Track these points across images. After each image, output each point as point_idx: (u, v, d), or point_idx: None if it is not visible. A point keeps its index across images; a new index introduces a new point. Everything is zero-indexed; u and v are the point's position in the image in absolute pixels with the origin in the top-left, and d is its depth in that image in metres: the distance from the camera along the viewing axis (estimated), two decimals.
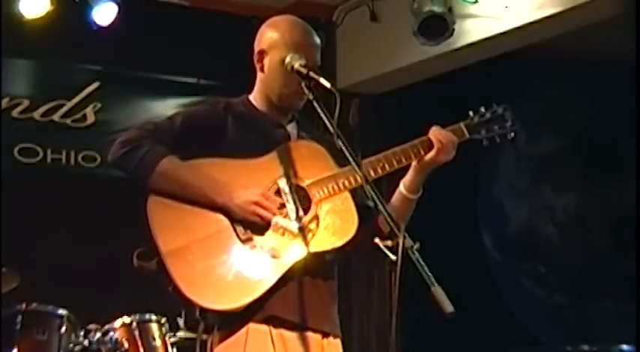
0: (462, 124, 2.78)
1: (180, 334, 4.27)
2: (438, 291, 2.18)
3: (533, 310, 6.66)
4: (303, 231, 2.60)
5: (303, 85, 2.57)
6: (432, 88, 5.79)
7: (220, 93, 2.84)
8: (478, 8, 5.29)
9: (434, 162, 2.71)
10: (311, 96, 2.55)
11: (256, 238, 2.58)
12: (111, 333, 4.16)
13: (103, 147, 2.67)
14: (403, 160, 2.70)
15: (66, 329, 4.14)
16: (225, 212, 2.58)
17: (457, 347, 5.94)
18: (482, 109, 2.81)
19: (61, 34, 5.32)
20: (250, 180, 2.62)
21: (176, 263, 2.51)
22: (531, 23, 5.08)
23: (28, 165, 5.44)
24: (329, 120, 2.46)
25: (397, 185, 2.78)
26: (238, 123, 2.71)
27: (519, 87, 6.00)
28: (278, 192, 2.63)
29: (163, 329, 4.24)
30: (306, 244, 2.59)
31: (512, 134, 2.81)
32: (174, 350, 4.25)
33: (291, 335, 2.58)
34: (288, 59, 2.63)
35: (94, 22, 5.24)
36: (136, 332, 4.16)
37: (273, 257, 2.56)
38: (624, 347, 5.28)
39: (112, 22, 5.24)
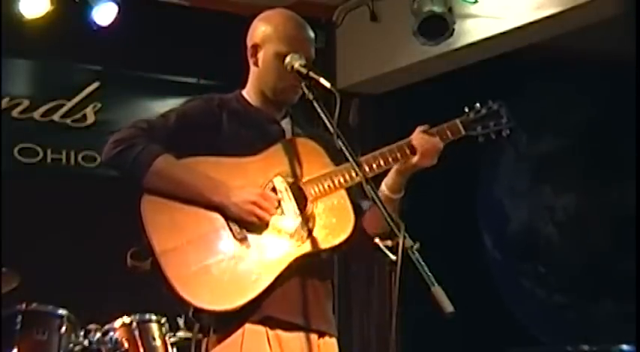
0: (457, 121, 2.75)
1: (180, 334, 4.26)
2: (438, 291, 2.18)
3: (533, 310, 6.66)
4: (299, 230, 2.59)
5: (303, 84, 2.56)
6: (432, 88, 5.79)
7: (220, 93, 2.83)
8: (478, 8, 5.29)
9: (416, 166, 2.68)
10: (311, 97, 2.53)
11: (252, 237, 2.56)
12: (111, 333, 4.15)
13: (103, 147, 2.65)
14: (389, 162, 2.67)
15: (66, 329, 4.14)
16: (221, 211, 2.55)
17: (457, 347, 5.94)
18: (478, 105, 2.78)
19: (61, 34, 5.32)
20: (246, 179, 2.60)
21: (171, 263, 2.49)
22: (531, 23, 5.08)
23: (28, 165, 5.44)
24: (329, 120, 2.46)
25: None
26: (233, 120, 2.69)
27: (519, 87, 6.00)
28: (274, 191, 2.61)
29: (163, 329, 4.24)
30: (303, 243, 2.58)
31: (508, 130, 2.78)
32: (174, 350, 4.24)
33: (288, 336, 2.57)
34: (288, 59, 2.61)
35: (94, 22, 5.23)
36: (136, 332, 4.16)
37: (269, 257, 2.54)
38: (624, 347, 5.28)
39: (112, 22, 5.23)
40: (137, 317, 4.18)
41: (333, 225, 2.62)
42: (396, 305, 2.28)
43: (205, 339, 2.59)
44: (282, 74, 2.65)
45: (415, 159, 2.66)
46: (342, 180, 2.63)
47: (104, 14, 5.22)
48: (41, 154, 5.49)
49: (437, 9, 5.18)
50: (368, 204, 2.74)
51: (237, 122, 2.69)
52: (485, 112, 2.78)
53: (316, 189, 2.63)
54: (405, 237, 2.24)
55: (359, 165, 2.49)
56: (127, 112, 5.59)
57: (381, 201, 2.39)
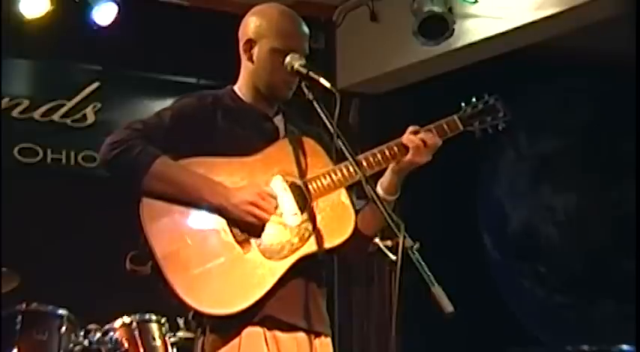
0: (455, 117, 2.73)
1: (180, 334, 4.26)
2: (438, 291, 2.18)
3: (533, 310, 6.66)
4: (300, 230, 2.57)
5: (303, 84, 2.55)
6: (432, 87, 5.79)
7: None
8: (478, 8, 5.29)
9: (410, 164, 2.66)
10: (311, 97, 2.53)
11: (253, 239, 2.53)
12: (111, 333, 4.16)
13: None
14: (383, 163, 2.65)
15: (66, 329, 4.14)
16: (221, 213, 2.53)
17: (457, 347, 5.93)
18: (474, 100, 2.77)
19: (61, 34, 5.32)
20: (246, 179, 2.58)
21: (172, 267, 2.46)
22: (531, 23, 5.08)
23: (28, 165, 5.44)
24: (329, 120, 2.46)
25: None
26: (227, 118, 2.66)
27: (519, 87, 6.00)
28: (273, 191, 2.58)
29: (163, 329, 4.24)
30: (304, 244, 2.56)
31: (504, 124, 2.78)
32: (175, 350, 4.24)
33: (285, 337, 2.55)
34: (288, 59, 2.59)
35: (94, 22, 5.24)
36: (136, 332, 4.16)
37: (270, 258, 2.53)
38: (624, 347, 5.28)
39: (112, 22, 5.24)
40: (137, 317, 4.18)
41: (334, 224, 2.60)
42: (396, 305, 2.28)
43: (202, 339, 2.56)
44: (277, 70, 2.63)
45: (408, 156, 2.64)
46: (341, 178, 2.62)
47: (104, 14, 5.22)
48: (41, 154, 5.49)
49: (437, 9, 5.18)
50: (362, 204, 2.73)
51: (231, 120, 2.66)
52: (482, 107, 2.77)
53: (316, 188, 2.61)
54: (405, 237, 2.24)
55: (359, 164, 2.49)
56: (127, 112, 5.59)
57: (380, 201, 2.39)
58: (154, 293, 2.50)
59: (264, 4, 2.76)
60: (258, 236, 2.54)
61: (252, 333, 2.52)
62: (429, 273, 2.20)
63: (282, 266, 2.53)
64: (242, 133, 2.65)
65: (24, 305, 4.13)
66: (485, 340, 5.81)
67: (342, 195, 2.66)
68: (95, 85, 5.65)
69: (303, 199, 2.60)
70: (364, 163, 2.63)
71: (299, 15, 2.75)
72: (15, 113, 5.46)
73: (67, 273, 5.01)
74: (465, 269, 5.93)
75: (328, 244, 2.59)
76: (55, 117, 5.56)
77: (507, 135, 6.68)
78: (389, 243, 3.42)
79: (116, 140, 2.56)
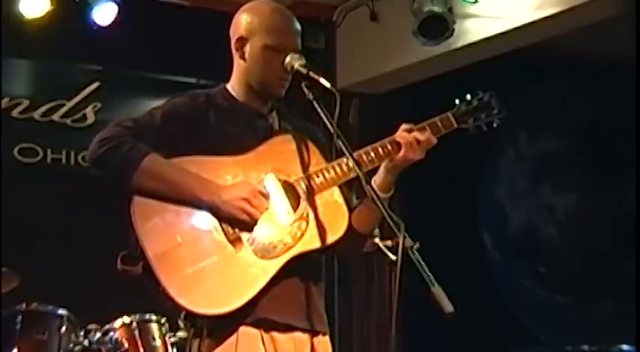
0: (449, 114, 2.72)
1: (180, 334, 4.26)
2: (438, 291, 2.18)
3: (533, 310, 6.66)
4: (293, 229, 2.55)
5: (303, 84, 2.54)
6: (432, 87, 5.79)
7: None
8: (478, 8, 5.29)
9: (403, 162, 2.64)
10: (311, 97, 2.51)
11: (245, 238, 2.51)
12: (111, 333, 4.15)
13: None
14: (376, 161, 2.64)
15: (66, 329, 4.14)
16: (213, 211, 2.50)
17: (457, 347, 5.93)
18: (468, 97, 2.76)
19: (61, 34, 5.32)
20: (238, 177, 2.56)
21: (164, 267, 2.44)
22: (531, 23, 5.08)
23: (28, 165, 5.44)
24: (329, 120, 2.45)
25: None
26: (220, 116, 2.64)
27: (519, 87, 6.00)
28: (265, 189, 2.56)
29: (163, 329, 4.24)
30: (297, 243, 2.54)
31: (499, 121, 2.76)
32: (175, 350, 4.24)
33: (282, 337, 2.54)
34: (288, 59, 2.58)
35: (94, 22, 5.23)
36: (136, 332, 4.16)
37: (263, 257, 2.51)
38: (624, 347, 5.28)
39: (112, 22, 5.23)
40: (137, 317, 4.18)
41: (327, 223, 2.58)
42: (396, 305, 2.28)
43: (198, 342, 2.53)
44: (270, 67, 2.62)
45: (400, 153, 2.63)
46: (334, 176, 2.60)
47: (104, 14, 5.22)
48: (41, 154, 5.48)
49: (437, 9, 5.18)
50: (355, 202, 2.72)
51: (224, 119, 2.64)
52: (476, 104, 2.75)
53: (309, 187, 2.59)
54: (405, 237, 2.23)
55: (359, 165, 2.48)
56: (127, 112, 5.57)
57: (380, 201, 2.38)
58: (151, 293, 2.49)
59: (256, 1, 2.74)
60: (251, 234, 2.51)
61: (249, 335, 2.50)
62: (429, 273, 2.19)
63: (274, 266, 2.51)
64: (235, 132, 2.63)
65: (24, 305, 4.12)
66: (486, 340, 5.81)
67: (336, 193, 2.64)
68: (95, 85, 5.65)
69: (296, 197, 2.58)
70: (359, 160, 2.61)
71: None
72: (15, 113, 5.45)
73: (67, 273, 5.01)
74: (465, 269, 5.93)
75: (321, 243, 2.56)
76: (55, 117, 5.56)
77: (507, 135, 6.71)
78: (389, 243, 3.41)
79: (105, 137, 2.53)
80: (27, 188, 5.26)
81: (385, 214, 2.33)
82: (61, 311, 4.16)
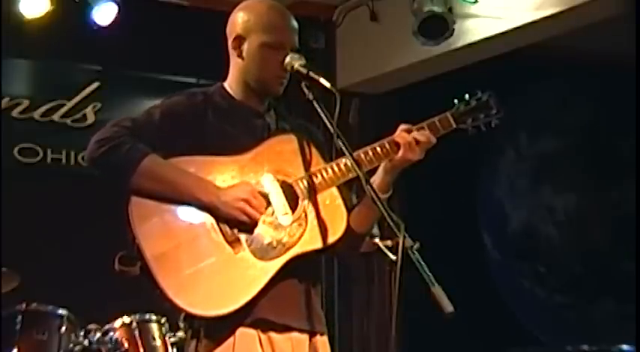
0: (448, 114, 2.71)
1: (180, 334, 4.26)
2: (438, 291, 2.17)
3: (533, 310, 6.66)
4: (292, 229, 2.54)
5: (303, 84, 2.53)
6: (432, 87, 5.79)
7: None
8: (478, 8, 5.29)
9: (402, 162, 2.63)
10: (311, 97, 2.51)
11: (243, 239, 2.50)
12: (111, 333, 4.15)
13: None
14: (375, 161, 2.63)
15: (66, 329, 4.14)
16: (212, 211, 2.49)
17: (457, 347, 5.93)
18: (467, 97, 2.75)
19: (61, 34, 5.32)
20: (236, 177, 2.55)
21: (162, 268, 2.42)
22: (531, 23, 5.08)
23: (28, 165, 5.44)
24: (329, 120, 2.44)
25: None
26: (218, 115, 2.63)
27: (519, 87, 6.00)
28: (264, 189, 2.55)
29: (163, 329, 4.24)
30: (295, 243, 2.53)
31: (497, 121, 2.74)
32: (175, 350, 4.24)
33: (280, 338, 2.53)
34: (288, 59, 2.58)
35: (94, 22, 5.23)
36: (136, 332, 4.15)
37: (261, 258, 2.50)
38: (624, 347, 5.28)
39: (112, 22, 5.23)
40: (137, 317, 4.18)
41: (326, 223, 2.57)
42: (396, 305, 2.28)
43: (195, 342, 2.53)
44: (268, 65, 2.62)
45: (400, 154, 2.62)
46: (332, 177, 2.60)
47: (104, 14, 5.22)
48: (41, 154, 5.48)
49: (437, 9, 5.18)
50: (354, 202, 2.72)
51: (222, 118, 2.63)
52: (474, 104, 2.74)
53: (307, 187, 2.58)
54: (405, 237, 2.23)
55: (359, 165, 2.47)
56: (126, 112, 5.53)
57: (381, 201, 2.38)
58: (149, 294, 2.48)
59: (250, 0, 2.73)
60: (250, 235, 2.50)
61: (246, 335, 2.49)
62: (429, 273, 2.19)
63: (273, 267, 2.50)
64: (233, 131, 2.62)
65: (24, 305, 4.12)
66: (486, 340, 5.81)
67: (334, 193, 2.63)
68: (95, 84, 5.65)
69: (294, 198, 2.57)
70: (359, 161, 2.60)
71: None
72: (15, 113, 5.45)
73: (67, 273, 5.01)
74: (465, 269, 5.93)
75: (320, 244, 2.56)
76: (55, 117, 5.56)
77: (507, 135, 6.71)
78: (389, 243, 3.41)
79: (104, 137, 2.51)
80: (27, 188, 5.26)
81: (385, 214, 2.32)
82: (61, 311, 4.16)
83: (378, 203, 2.37)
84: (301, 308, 2.58)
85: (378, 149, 2.64)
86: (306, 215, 2.57)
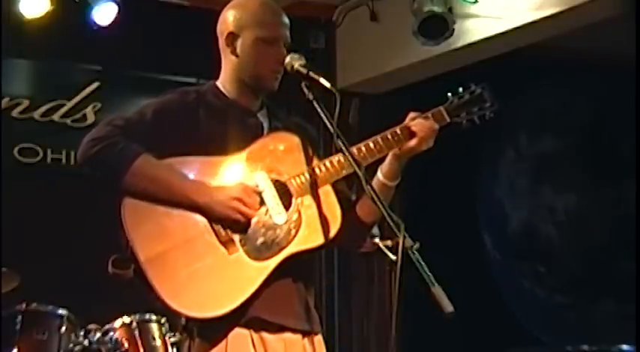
0: (442, 108, 2.71)
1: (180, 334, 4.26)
2: (437, 291, 2.17)
3: (533, 310, 6.66)
4: (286, 228, 2.52)
5: (303, 85, 2.53)
6: (432, 88, 5.78)
7: None
8: (478, 8, 5.29)
9: (414, 150, 2.64)
10: (311, 97, 2.51)
11: (237, 239, 2.49)
12: (111, 333, 4.16)
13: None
14: (385, 149, 2.64)
15: (66, 329, 4.14)
16: (205, 211, 2.48)
17: (457, 347, 5.94)
18: (461, 90, 2.75)
19: (61, 34, 5.32)
20: (229, 177, 2.54)
21: (156, 271, 2.41)
22: (531, 23, 5.08)
23: (28, 165, 5.44)
24: (329, 120, 2.44)
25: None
26: (210, 114, 2.62)
27: (519, 87, 6.00)
28: (257, 188, 2.54)
29: (163, 329, 4.24)
30: (290, 242, 2.52)
31: (492, 114, 2.74)
32: (175, 350, 4.24)
33: (272, 338, 2.52)
34: (288, 59, 2.58)
35: (94, 22, 5.24)
36: (136, 332, 4.16)
37: (256, 259, 2.49)
38: (624, 347, 5.28)
39: (112, 22, 5.24)
40: (137, 317, 4.18)
41: (321, 222, 2.55)
42: (396, 305, 2.28)
43: (189, 342, 2.52)
44: (263, 60, 2.62)
45: (414, 142, 2.62)
46: (326, 175, 2.59)
47: (104, 14, 5.22)
48: (41, 154, 5.48)
49: (437, 9, 5.18)
50: (353, 197, 2.71)
51: (215, 117, 2.62)
52: (468, 97, 2.74)
53: (301, 185, 2.57)
54: (405, 237, 2.23)
55: (359, 165, 2.46)
56: (126, 112, 5.58)
57: (381, 201, 2.37)
58: (143, 296, 2.47)
59: None
60: (244, 233, 2.49)
61: (239, 335, 2.48)
62: (429, 273, 2.19)
63: (267, 267, 2.49)
64: (226, 131, 2.61)
65: (24, 305, 4.13)
66: (486, 340, 5.80)
67: (328, 190, 2.61)
68: (95, 84, 5.65)
69: (288, 197, 2.56)
70: (364, 151, 2.61)
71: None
72: (15, 113, 5.45)
73: (67, 273, 5.01)
74: (465, 270, 5.93)
75: (314, 242, 2.55)
76: (55, 117, 5.56)
77: (507, 135, 6.71)
78: (389, 242, 3.42)
79: (96, 137, 2.50)
80: (27, 188, 5.25)
81: (385, 214, 2.32)
82: (61, 311, 4.16)
83: (378, 203, 2.36)
84: (295, 307, 2.58)
85: (390, 136, 2.64)
86: (299, 214, 2.55)
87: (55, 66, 5.65)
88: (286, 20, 2.68)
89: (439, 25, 5.21)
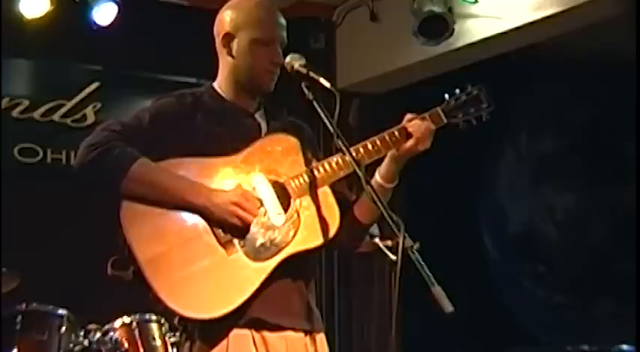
0: (439, 109, 2.72)
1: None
2: (437, 291, 2.18)
3: (533, 310, 6.66)
4: (284, 229, 2.53)
5: (303, 85, 2.53)
6: (432, 87, 5.79)
7: None
8: (478, 8, 5.29)
9: (411, 151, 2.64)
10: (311, 97, 2.51)
11: (236, 241, 2.49)
12: (111, 333, 4.16)
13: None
14: (383, 150, 2.64)
15: (66, 329, 4.14)
16: (204, 214, 2.49)
17: (457, 347, 5.94)
18: (457, 91, 2.76)
19: (61, 34, 5.32)
20: (228, 179, 2.54)
21: (155, 272, 2.42)
22: (531, 23, 5.08)
23: (28, 165, 5.44)
24: (329, 120, 2.44)
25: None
26: (208, 117, 2.62)
27: (519, 87, 6.00)
28: (256, 190, 2.55)
29: (163, 329, 4.24)
30: (289, 243, 2.52)
31: (488, 116, 2.75)
32: (175, 350, 4.24)
33: (273, 336, 2.53)
34: (288, 59, 2.58)
35: (94, 22, 5.24)
36: (136, 332, 4.16)
37: (255, 259, 2.49)
38: (624, 347, 5.28)
39: (112, 22, 5.24)
40: (137, 317, 4.18)
41: (319, 223, 2.55)
42: (396, 305, 2.28)
43: (189, 344, 2.53)
44: (260, 61, 2.62)
45: (411, 143, 2.63)
46: (324, 176, 2.59)
47: (104, 14, 5.23)
48: (41, 154, 5.49)
49: (437, 9, 5.18)
50: (353, 196, 2.72)
51: (212, 119, 2.62)
52: (465, 98, 2.75)
53: (299, 186, 2.58)
54: (405, 237, 2.23)
55: (359, 165, 2.47)
56: (126, 112, 5.47)
57: (381, 201, 2.38)
58: (142, 297, 2.47)
59: None
60: (242, 237, 2.50)
61: (240, 336, 2.49)
62: (429, 273, 2.20)
63: (267, 268, 2.49)
64: (223, 132, 2.61)
65: (24, 305, 4.13)
66: (485, 340, 5.81)
67: (326, 191, 2.62)
68: (95, 84, 5.65)
69: (286, 198, 2.57)
70: (362, 152, 2.61)
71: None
72: (15, 113, 5.46)
73: (67, 273, 5.01)
74: (465, 269, 5.93)
75: (313, 243, 2.55)
76: (55, 117, 5.56)
77: (508, 134, 6.71)
78: (389, 243, 3.42)
79: (94, 142, 2.51)
80: (27, 188, 5.25)
81: (385, 214, 2.32)
82: (61, 311, 4.17)
83: (378, 203, 2.36)
84: (295, 307, 2.58)
85: (387, 137, 2.65)
86: (298, 214, 2.56)
87: (55, 66, 5.65)
88: (283, 21, 2.68)
89: (439, 25, 5.21)
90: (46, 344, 4.10)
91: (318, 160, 2.66)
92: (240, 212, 2.48)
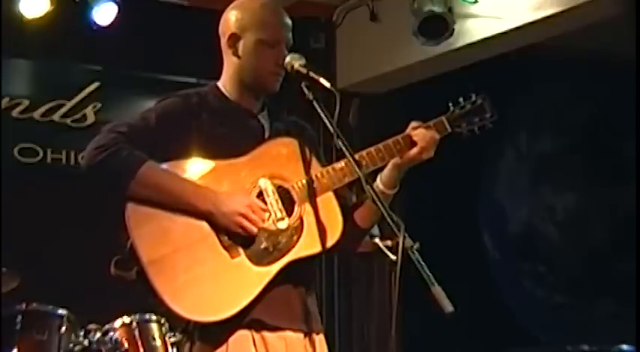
0: (443, 118, 2.72)
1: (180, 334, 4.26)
2: (438, 291, 2.18)
3: (533, 310, 6.66)
4: (288, 234, 2.53)
5: (303, 85, 2.53)
6: (432, 87, 5.79)
7: None
8: (478, 8, 5.29)
9: (415, 160, 2.65)
10: (311, 97, 2.51)
11: (241, 244, 2.50)
12: (111, 333, 4.16)
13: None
14: (386, 157, 2.65)
15: (66, 329, 4.14)
16: (209, 219, 2.49)
17: (457, 347, 5.94)
18: (462, 100, 2.76)
19: (61, 34, 5.32)
20: (233, 183, 2.54)
21: (159, 274, 2.42)
22: (531, 23, 5.08)
23: (28, 165, 5.44)
24: (329, 120, 2.44)
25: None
26: (212, 117, 2.62)
27: (519, 87, 6.00)
28: (260, 195, 2.55)
29: (163, 329, 4.24)
30: (292, 248, 2.52)
31: (491, 125, 2.76)
32: (175, 350, 4.24)
33: (273, 337, 2.53)
34: (288, 59, 2.59)
35: (94, 22, 5.24)
36: (136, 332, 4.16)
37: (258, 264, 2.49)
38: (624, 347, 5.28)
39: (112, 22, 5.24)
40: (137, 317, 4.18)
41: (323, 228, 2.56)
42: (396, 305, 2.28)
43: (189, 345, 2.53)
44: (265, 61, 2.62)
45: (415, 151, 2.64)
46: (328, 182, 2.59)
47: (104, 14, 5.23)
48: (41, 154, 5.49)
49: (437, 9, 5.18)
50: (354, 199, 2.72)
51: (217, 120, 2.62)
52: (469, 108, 2.76)
53: (303, 191, 2.57)
54: (405, 237, 2.23)
55: (360, 166, 2.47)
56: (127, 112, 5.57)
57: (381, 202, 2.38)
58: (145, 298, 2.48)
59: None
60: (246, 241, 2.50)
61: (240, 336, 2.49)
62: (429, 273, 2.20)
63: (269, 272, 2.49)
64: (228, 134, 2.61)
65: (24, 305, 4.13)
66: (486, 340, 5.81)
67: (330, 197, 2.62)
68: (95, 84, 5.65)
69: (291, 203, 2.57)
70: (367, 159, 2.62)
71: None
72: (15, 113, 5.46)
73: (67, 273, 5.01)
74: (465, 269, 5.93)
75: (316, 249, 2.55)
76: (55, 117, 5.56)
77: (508, 135, 6.71)
78: (389, 243, 3.42)
79: (101, 144, 2.50)
80: (27, 188, 5.26)
81: (385, 214, 2.32)
82: (61, 311, 4.17)
83: (379, 204, 2.36)
84: (295, 310, 2.58)
85: (392, 144, 2.65)
86: (302, 220, 2.56)
87: (55, 66, 5.65)
88: (289, 22, 2.68)
89: (439, 25, 5.21)
90: (46, 344, 4.10)
91: (321, 161, 2.66)
92: (245, 223, 2.48)
